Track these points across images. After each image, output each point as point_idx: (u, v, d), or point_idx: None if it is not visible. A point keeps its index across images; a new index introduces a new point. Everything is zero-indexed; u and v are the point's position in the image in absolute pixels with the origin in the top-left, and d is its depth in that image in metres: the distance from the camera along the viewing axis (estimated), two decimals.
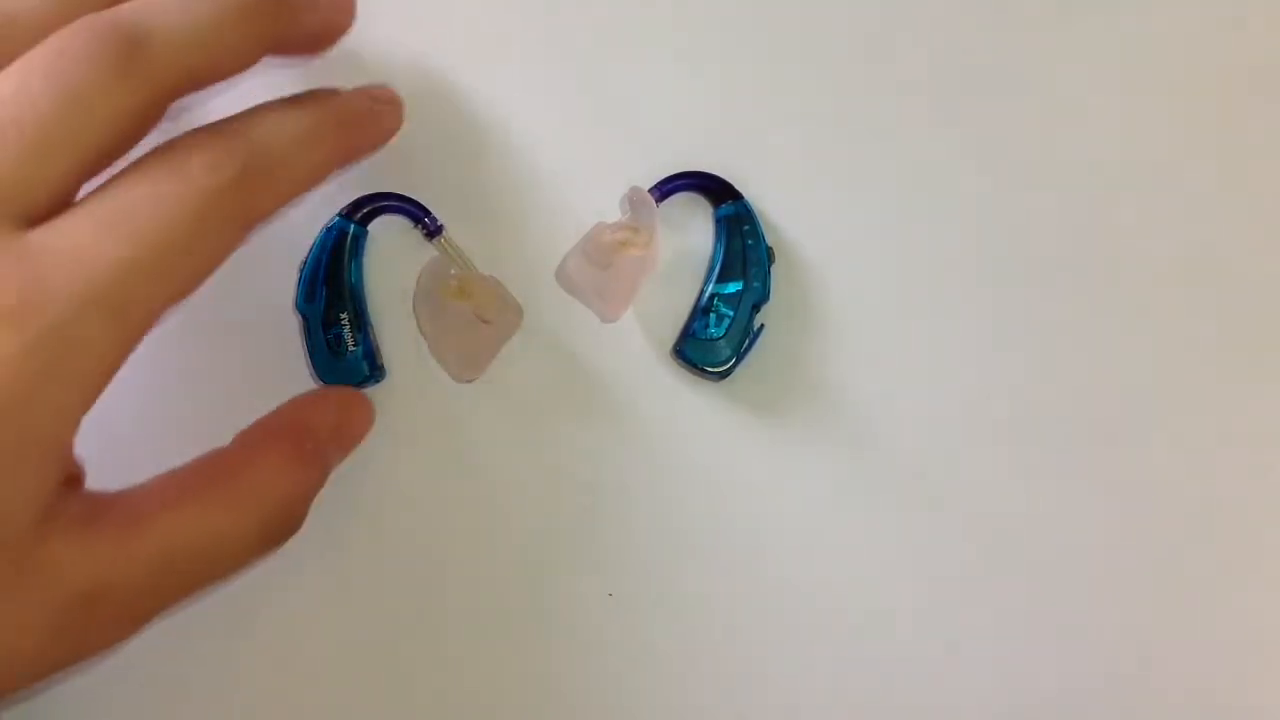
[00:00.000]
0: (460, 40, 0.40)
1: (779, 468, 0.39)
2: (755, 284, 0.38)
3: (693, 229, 0.40)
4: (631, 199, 0.38)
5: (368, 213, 0.38)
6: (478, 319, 0.38)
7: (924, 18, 0.41)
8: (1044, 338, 0.40)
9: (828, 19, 0.41)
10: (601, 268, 0.37)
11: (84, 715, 0.38)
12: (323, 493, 0.34)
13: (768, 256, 0.39)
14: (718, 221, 0.39)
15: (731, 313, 0.38)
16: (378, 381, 0.38)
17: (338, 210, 0.37)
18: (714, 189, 0.39)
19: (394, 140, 0.37)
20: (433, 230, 0.38)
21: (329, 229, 0.37)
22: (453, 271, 0.38)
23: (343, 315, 0.37)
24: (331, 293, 0.37)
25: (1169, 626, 0.40)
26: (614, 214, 0.39)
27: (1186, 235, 0.41)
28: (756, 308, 0.38)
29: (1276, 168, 0.41)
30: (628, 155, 0.40)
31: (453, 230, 0.39)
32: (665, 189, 0.39)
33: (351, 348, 0.36)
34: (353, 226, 0.37)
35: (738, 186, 0.39)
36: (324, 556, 0.38)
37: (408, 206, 0.38)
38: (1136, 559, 0.40)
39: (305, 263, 0.37)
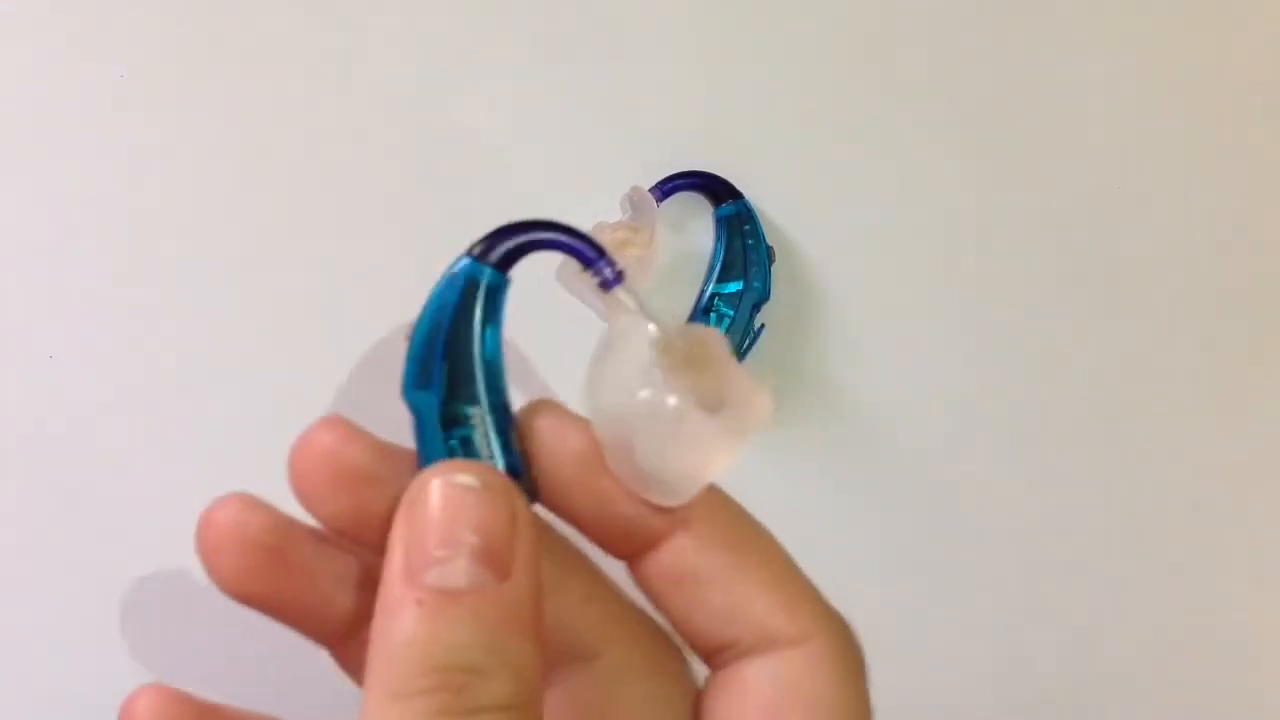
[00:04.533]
0: (460, 40, 0.40)
1: (779, 467, 0.39)
2: (755, 284, 0.38)
3: (693, 229, 0.40)
4: (632, 198, 0.38)
5: (511, 252, 0.24)
6: (703, 408, 0.24)
7: (924, 19, 0.41)
8: (1044, 337, 0.40)
9: (828, 20, 0.41)
10: None
11: None
12: None
13: (768, 256, 0.39)
14: (718, 221, 0.39)
15: (732, 312, 0.38)
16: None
17: (465, 249, 0.24)
18: (714, 189, 0.39)
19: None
20: (611, 280, 0.24)
21: (453, 276, 0.24)
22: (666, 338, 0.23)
23: (472, 410, 0.23)
24: (455, 373, 0.24)
25: (1169, 625, 0.40)
26: (614, 214, 0.39)
27: (1186, 236, 0.41)
28: (757, 307, 0.38)
29: (1276, 168, 0.41)
30: (628, 155, 0.40)
31: (454, 230, 0.39)
32: (666, 189, 0.39)
33: (487, 457, 0.23)
34: (488, 273, 0.24)
35: (738, 186, 0.39)
36: None
37: (577, 244, 0.24)
38: (1136, 558, 0.40)
39: (415, 329, 0.24)
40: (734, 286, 0.38)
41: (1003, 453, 0.40)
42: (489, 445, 0.23)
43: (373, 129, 0.39)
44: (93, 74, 0.39)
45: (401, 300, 0.38)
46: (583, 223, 0.38)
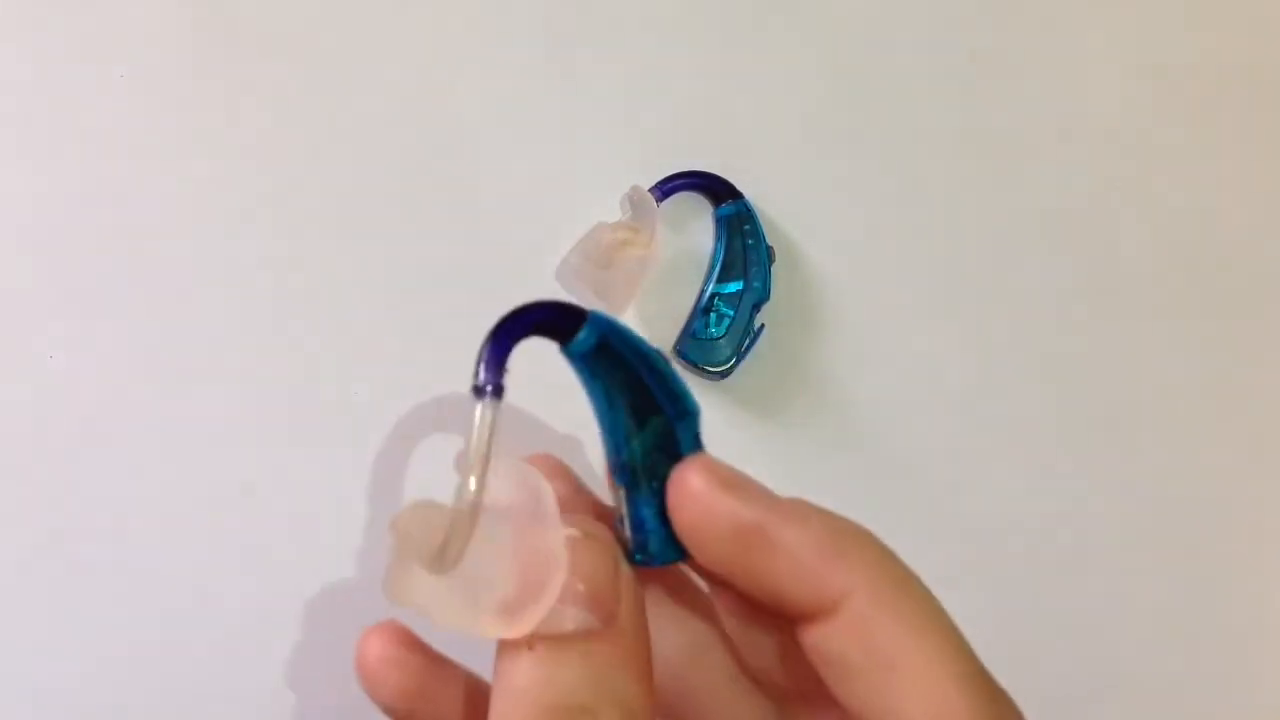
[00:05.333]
0: (461, 40, 0.40)
1: (779, 467, 0.39)
2: (755, 284, 0.38)
3: (693, 229, 0.40)
4: (632, 199, 0.38)
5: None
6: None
7: (925, 19, 0.41)
8: (1044, 337, 0.40)
9: (829, 20, 0.41)
10: (602, 267, 0.37)
11: None
12: None
13: (768, 256, 0.39)
14: (718, 221, 0.39)
15: (732, 312, 0.38)
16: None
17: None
18: (715, 189, 0.39)
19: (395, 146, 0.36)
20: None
21: (586, 336, 0.24)
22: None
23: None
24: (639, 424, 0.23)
25: (1169, 624, 0.40)
26: (614, 214, 0.39)
27: (1186, 236, 0.41)
28: (757, 307, 0.38)
29: (1276, 168, 0.41)
30: (628, 155, 0.40)
31: (454, 230, 0.39)
32: (666, 189, 0.39)
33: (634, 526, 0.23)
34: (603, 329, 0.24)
35: (738, 186, 0.39)
36: None
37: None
38: (1136, 556, 0.40)
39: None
40: (734, 286, 0.38)
41: (1003, 453, 0.40)
42: (637, 513, 0.23)
43: (373, 129, 0.39)
44: (93, 74, 0.39)
45: (402, 299, 0.39)
46: (584, 222, 0.38)
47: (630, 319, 0.39)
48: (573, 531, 0.21)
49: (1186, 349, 0.41)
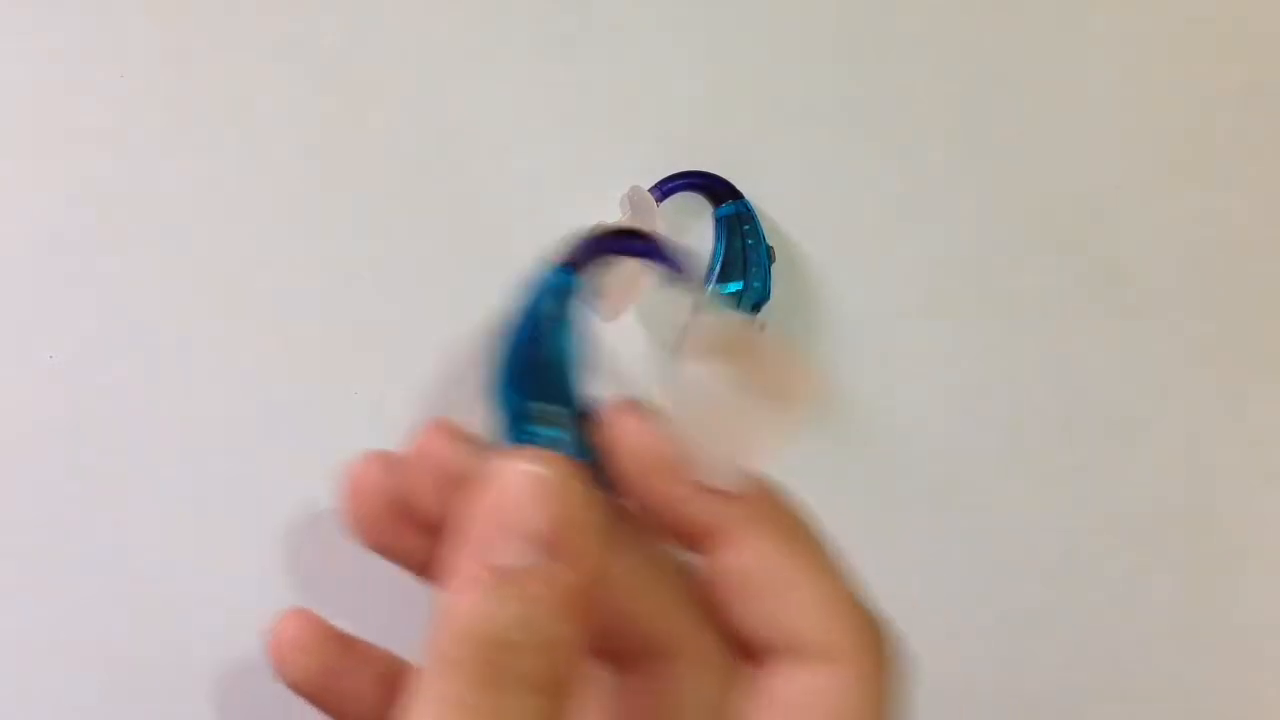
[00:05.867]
0: (461, 40, 0.40)
1: (775, 466, 0.39)
2: (755, 284, 0.38)
3: (693, 229, 0.40)
4: (631, 199, 0.38)
5: (592, 261, 0.25)
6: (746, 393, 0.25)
7: (925, 19, 0.41)
8: (1044, 337, 0.40)
9: (829, 20, 0.41)
10: (601, 265, 0.37)
11: None
12: None
13: (768, 256, 0.39)
14: (718, 221, 0.39)
15: None
16: None
17: (548, 261, 0.25)
18: (715, 189, 0.39)
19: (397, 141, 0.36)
20: (680, 272, 0.26)
21: (541, 285, 0.25)
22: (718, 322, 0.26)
23: (553, 408, 0.24)
24: (540, 375, 0.24)
25: (1169, 625, 0.40)
26: (615, 214, 0.39)
27: (1186, 236, 0.41)
28: (756, 308, 0.38)
29: (1276, 169, 0.41)
30: (628, 155, 0.40)
31: (454, 230, 0.39)
32: (666, 189, 0.39)
33: (566, 451, 0.23)
34: (573, 282, 0.25)
35: (738, 186, 0.39)
36: None
37: (651, 249, 0.26)
38: (1136, 557, 0.40)
39: (505, 335, 0.24)
40: (734, 287, 0.38)
41: (1003, 453, 0.40)
42: (569, 441, 0.23)
43: (373, 129, 0.39)
44: (93, 74, 0.39)
45: (403, 298, 0.39)
46: (582, 223, 0.38)
47: (628, 318, 0.39)
48: (535, 467, 0.21)
49: (1187, 349, 0.41)
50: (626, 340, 0.39)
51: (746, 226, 0.39)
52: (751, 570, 0.23)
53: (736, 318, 0.26)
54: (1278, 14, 0.42)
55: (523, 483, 0.21)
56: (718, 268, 0.39)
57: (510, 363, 0.24)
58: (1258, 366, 0.41)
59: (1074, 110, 0.41)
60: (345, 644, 0.25)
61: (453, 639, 0.21)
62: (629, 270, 0.37)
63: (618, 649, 0.24)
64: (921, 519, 0.40)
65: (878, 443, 0.40)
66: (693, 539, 0.23)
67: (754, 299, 0.38)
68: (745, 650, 0.23)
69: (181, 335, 0.38)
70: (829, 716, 0.22)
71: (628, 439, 0.23)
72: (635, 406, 0.24)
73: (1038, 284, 0.40)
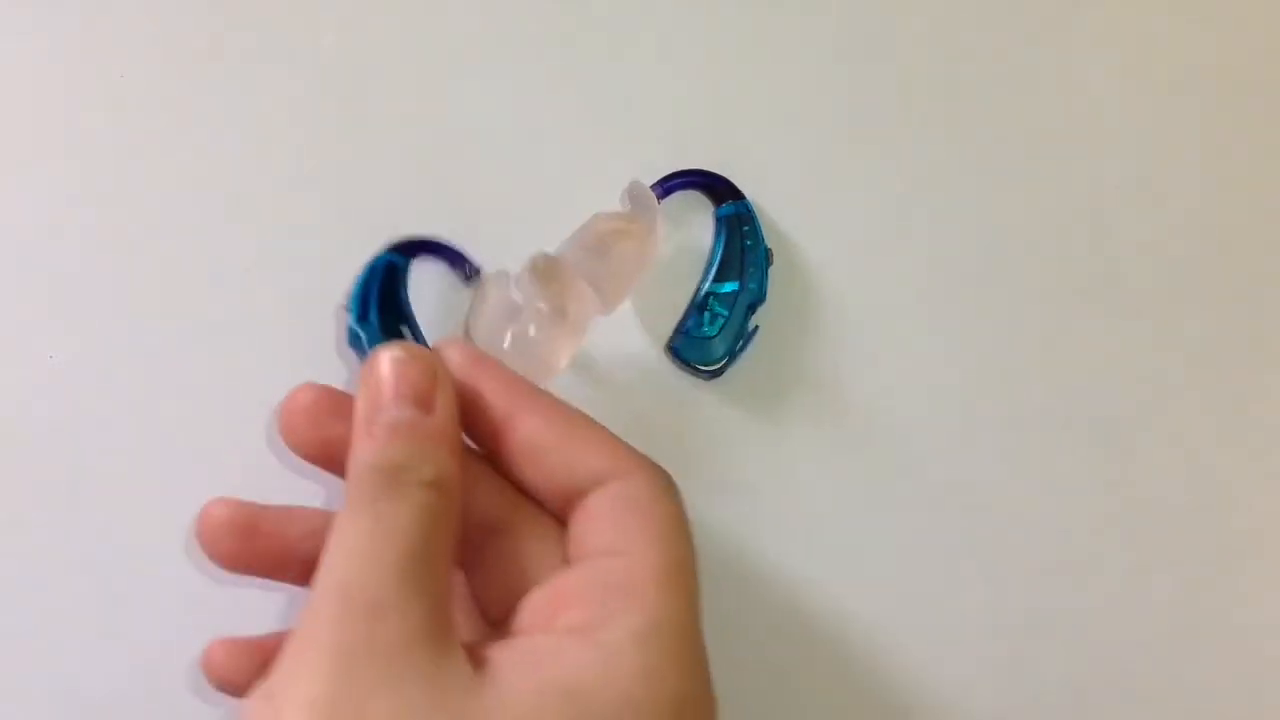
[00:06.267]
0: (461, 39, 0.40)
1: (770, 466, 0.39)
2: (751, 284, 0.38)
3: (693, 226, 0.40)
4: (631, 192, 0.38)
5: (409, 248, 0.38)
6: (553, 314, 0.35)
7: (924, 20, 0.41)
8: (1044, 338, 0.40)
9: (830, 20, 0.41)
10: (598, 257, 0.37)
11: None
12: None
13: (766, 258, 0.39)
14: (718, 220, 0.39)
15: (726, 312, 0.38)
16: None
17: (385, 247, 0.38)
18: (716, 188, 0.39)
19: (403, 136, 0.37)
20: (471, 274, 0.38)
21: (377, 261, 0.38)
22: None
23: (402, 327, 0.37)
24: (388, 310, 0.37)
25: (1169, 625, 0.40)
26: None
27: (1186, 236, 0.41)
28: (752, 308, 0.38)
29: (1275, 169, 0.41)
30: (628, 155, 0.40)
31: (454, 230, 0.39)
32: (667, 186, 0.39)
33: None
34: (400, 259, 0.38)
35: (740, 186, 0.39)
36: None
37: (446, 252, 0.39)
38: (1136, 557, 0.40)
39: (355, 283, 0.37)
40: (730, 287, 0.38)
41: (1003, 453, 0.40)
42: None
43: (373, 128, 0.39)
44: (93, 74, 0.39)
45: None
46: (580, 219, 0.38)
47: (626, 313, 0.39)
48: (401, 353, 0.29)
49: (1187, 349, 0.40)
50: (624, 336, 0.40)
51: (746, 227, 0.39)
52: (542, 433, 0.29)
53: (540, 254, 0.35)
54: (1278, 13, 0.42)
55: (389, 361, 0.29)
56: (714, 267, 0.39)
57: (362, 299, 0.37)
58: (1257, 366, 0.40)
59: (1074, 110, 0.41)
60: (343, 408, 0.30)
61: (357, 474, 0.28)
62: (625, 263, 0.38)
63: (466, 540, 0.30)
64: (921, 519, 0.39)
65: (877, 443, 0.40)
66: (493, 425, 0.30)
67: (750, 299, 0.38)
68: (555, 506, 0.30)
69: (182, 335, 0.38)
70: (635, 509, 0.29)
71: (447, 351, 0.31)
72: (452, 339, 0.31)
73: (1037, 284, 0.40)
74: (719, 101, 0.41)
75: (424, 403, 0.29)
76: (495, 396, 0.30)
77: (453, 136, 0.40)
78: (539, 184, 0.40)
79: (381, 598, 0.26)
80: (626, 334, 0.39)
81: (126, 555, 0.37)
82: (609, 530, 0.29)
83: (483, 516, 0.30)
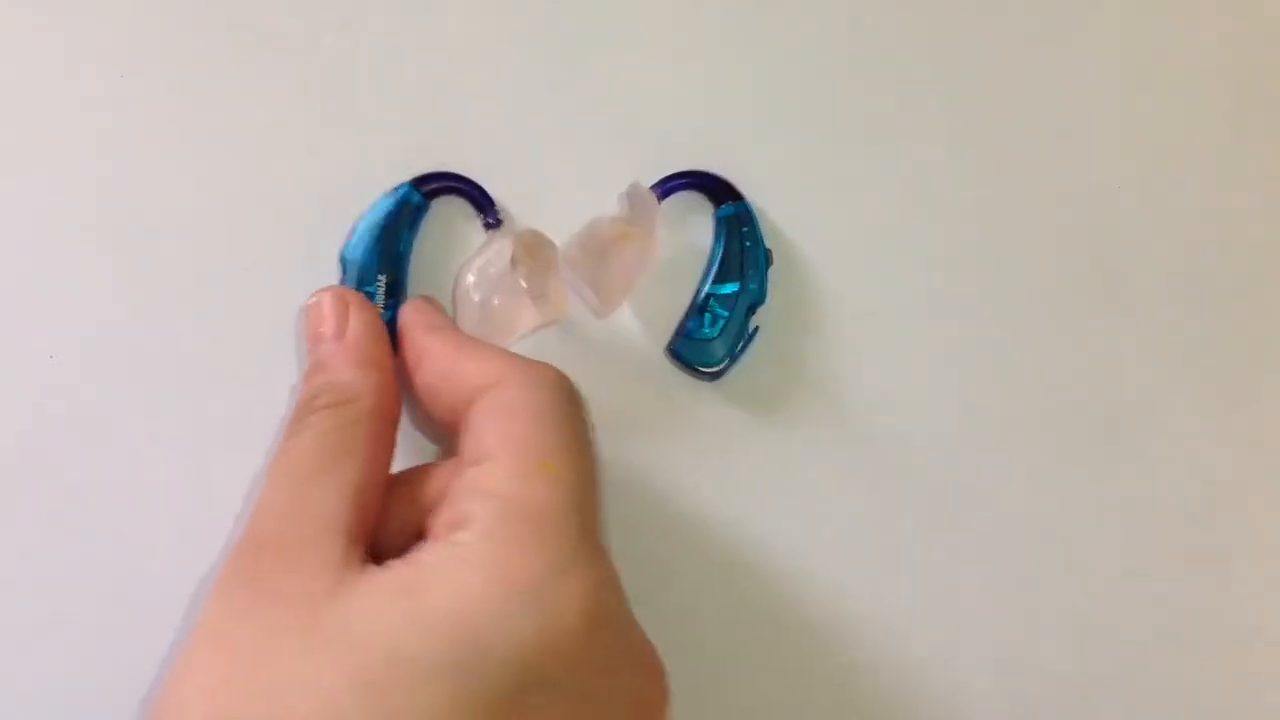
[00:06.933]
0: (461, 39, 0.40)
1: (770, 467, 0.39)
2: (751, 286, 0.38)
3: (693, 227, 0.40)
4: (630, 194, 0.38)
5: (434, 189, 0.38)
6: (528, 291, 0.37)
7: (924, 20, 0.41)
8: (1041, 340, 0.40)
9: (830, 20, 0.41)
10: (597, 259, 0.37)
11: None
12: None
13: (766, 259, 0.39)
14: (718, 221, 0.39)
15: (726, 313, 0.38)
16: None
17: (407, 179, 0.38)
18: (716, 189, 0.39)
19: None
20: (492, 223, 0.38)
21: (394, 192, 0.38)
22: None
23: (381, 276, 0.37)
24: (379, 252, 0.37)
25: (1169, 625, 0.40)
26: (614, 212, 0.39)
27: (1186, 236, 0.41)
28: (752, 309, 0.38)
29: (1276, 169, 0.41)
30: (628, 155, 0.40)
31: (458, 228, 0.39)
32: (667, 187, 0.39)
33: (381, 312, 0.37)
34: (417, 196, 0.38)
35: (740, 188, 0.39)
36: None
37: (474, 193, 0.39)
38: (1136, 557, 0.40)
39: (363, 215, 0.38)
40: (730, 288, 0.38)
41: (1003, 452, 0.40)
42: (384, 305, 0.37)
43: (372, 128, 0.39)
44: (92, 74, 0.39)
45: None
46: (580, 219, 0.38)
47: (626, 314, 0.39)
48: (342, 296, 0.35)
49: (1187, 349, 0.40)
50: (624, 337, 0.40)
51: (746, 228, 0.39)
52: (438, 365, 0.33)
53: (535, 232, 0.37)
54: (1278, 13, 0.42)
55: (334, 302, 0.35)
56: (715, 268, 0.39)
57: (361, 238, 0.38)
58: (1257, 366, 0.40)
59: (1073, 110, 0.41)
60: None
61: (308, 393, 0.33)
62: (625, 265, 0.38)
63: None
64: (921, 519, 0.39)
65: (877, 443, 0.40)
66: (407, 372, 0.34)
67: (749, 300, 0.38)
68: (451, 422, 0.33)
69: (183, 335, 0.38)
70: (502, 413, 0.31)
71: (404, 308, 0.36)
72: (422, 297, 0.37)
73: (1037, 284, 0.40)
74: (719, 102, 0.41)
75: (338, 332, 0.34)
76: (411, 346, 0.34)
77: (452, 137, 0.40)
78: (538, 184, 0.40)
79: (265, 532, 0.29)
80: (627, 335, 0.39)
81: (127, 555, 0.37)
82: (476, 438, 0.30)
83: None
